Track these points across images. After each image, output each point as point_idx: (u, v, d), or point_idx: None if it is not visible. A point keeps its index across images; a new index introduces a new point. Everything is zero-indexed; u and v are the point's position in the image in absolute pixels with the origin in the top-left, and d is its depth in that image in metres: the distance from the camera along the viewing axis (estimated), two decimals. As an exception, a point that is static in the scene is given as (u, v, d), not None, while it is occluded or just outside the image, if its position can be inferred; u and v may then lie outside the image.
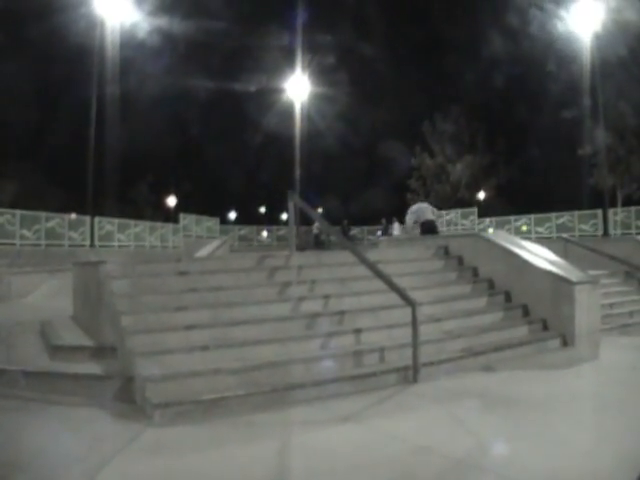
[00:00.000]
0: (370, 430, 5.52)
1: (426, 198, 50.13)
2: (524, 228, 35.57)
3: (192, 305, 7.87)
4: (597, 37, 28.11)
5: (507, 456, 4.83)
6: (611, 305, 11.40)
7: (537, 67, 36.97)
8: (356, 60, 55.72)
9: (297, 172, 35.89)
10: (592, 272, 11.24)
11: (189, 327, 7.31)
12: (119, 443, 5.14)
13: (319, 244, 30.25)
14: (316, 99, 40.32)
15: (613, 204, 35.39)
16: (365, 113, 52.17)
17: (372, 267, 8.47)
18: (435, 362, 7.54)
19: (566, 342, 8.99)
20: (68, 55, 33.54)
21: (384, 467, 4.73)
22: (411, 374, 7.18)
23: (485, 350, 8.19)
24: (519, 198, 43.11)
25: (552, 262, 9.79)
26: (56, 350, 7.59)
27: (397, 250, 12.70)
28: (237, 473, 4.67)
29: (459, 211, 43.31)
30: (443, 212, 42.63)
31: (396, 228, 31.18)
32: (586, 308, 9.00)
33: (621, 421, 5.58)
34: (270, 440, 5.27)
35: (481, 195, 50.10)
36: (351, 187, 60.03)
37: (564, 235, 24.05)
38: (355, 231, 35.60)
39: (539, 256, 10.04)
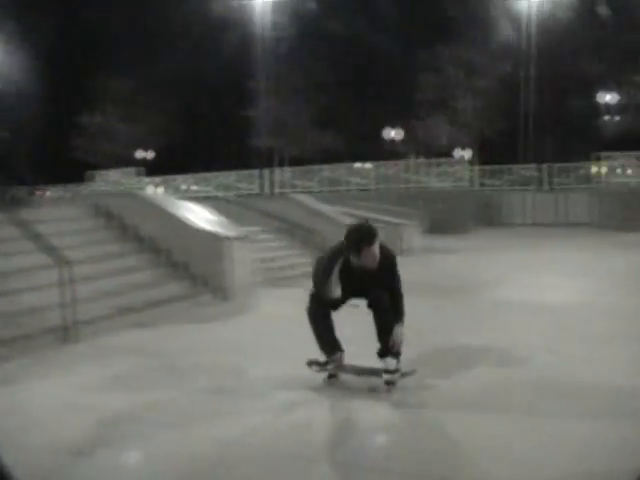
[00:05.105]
0: (25, 391, 5.44)
1: (93, 157, 48.37)
2: (193, 187, 35.93)
3: None
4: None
5: (162, 407, 5.02)
6: (266, 259, 12.04)
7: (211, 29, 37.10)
8: None
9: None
10: (248, 228, 11.77)
11: None
12: None
13: None
14: None
15: (279, 164, 37.61)
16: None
17: (22, 226, 8.08)
18: (92, 321, 7.52)
19: (222, 296, 9.38)
20: None
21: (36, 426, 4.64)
22: (68, 334, 7.11)
23: (143, 307, 8.35)
24: (187, 157, 43.49)
25: (208, 220, 10.12)
26: None
27: (53, 209, 12.19)
28: None
29: (125, 170, 42.23)
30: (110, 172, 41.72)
31: None
32: (239, 263, 9.49)
33: (278, 367, 5.91)
34: None
35: (150, 155, 49.58)
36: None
37: (225, 194, 25.01)
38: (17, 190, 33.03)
39: (196, 215, 10.30)
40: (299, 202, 16.05)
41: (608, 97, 36.65)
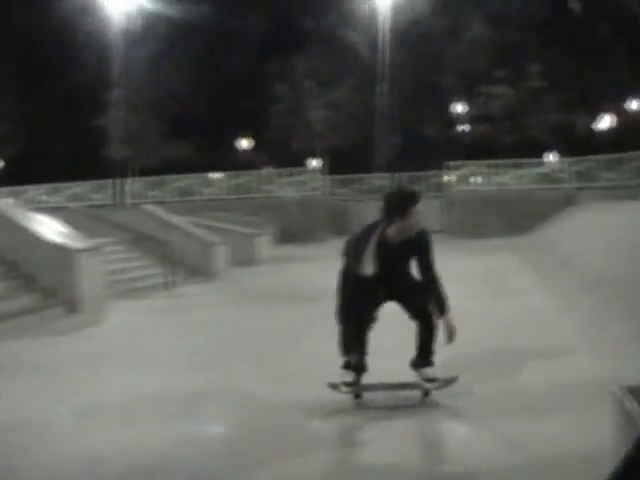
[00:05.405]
0: None
1: None
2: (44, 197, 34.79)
3: None
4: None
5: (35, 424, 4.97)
6: (116, 271, 12.07)
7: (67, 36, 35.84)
8: None
9: None
10: (99, 240, 11.78)
11: None
12: None
13: None
14: None
15: (133, 175, 36.95)
16: None
17: None
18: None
19: (72, 309, 9.41)
20: None
21: None
22: None
23: (-8, 320, 8.18)
24: (38, 167, 41.88)
25: (57, 232, 10.11)
26: None
27: None
28: None
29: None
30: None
31: None
32: (88, 275, 9.57)
33: (135, 376, 6.10)
34: None
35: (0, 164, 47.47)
36: None
37: (77, 204, 24.44)
38: None
39: (45, 226, 10.27)
40: (150, 213, 16.09)
41: (460, 108, 38.52)
